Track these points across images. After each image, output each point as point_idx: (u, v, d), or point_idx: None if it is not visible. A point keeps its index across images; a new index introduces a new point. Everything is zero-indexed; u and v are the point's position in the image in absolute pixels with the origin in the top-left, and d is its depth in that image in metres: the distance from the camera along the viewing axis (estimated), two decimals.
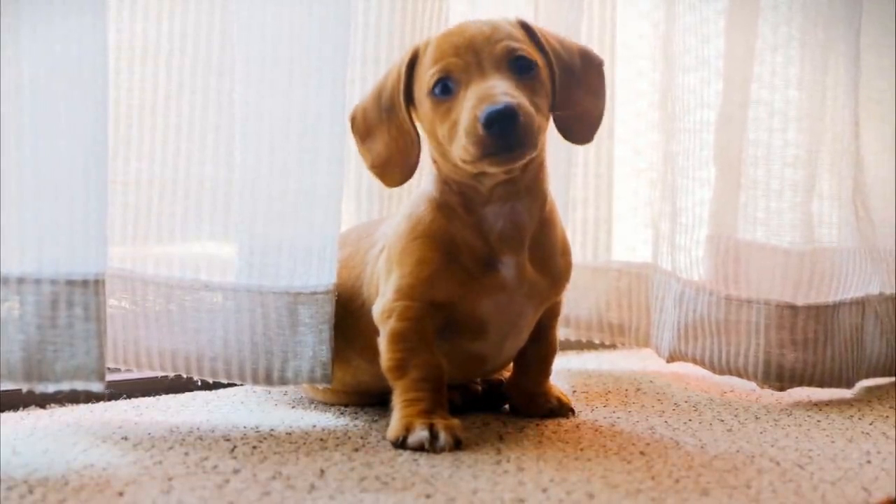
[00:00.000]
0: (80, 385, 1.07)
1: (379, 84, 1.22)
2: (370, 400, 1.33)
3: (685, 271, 1.55)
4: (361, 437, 1.17)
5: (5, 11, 1.03)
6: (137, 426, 1.21)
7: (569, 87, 1.19)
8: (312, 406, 1.35)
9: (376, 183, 1.47)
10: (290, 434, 1.19)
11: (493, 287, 1.18)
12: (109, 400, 1.34)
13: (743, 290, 1.51)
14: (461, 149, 1.10)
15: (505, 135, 1.07)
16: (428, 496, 0.95)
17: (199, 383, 1.32)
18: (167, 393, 1.39)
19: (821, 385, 1.49)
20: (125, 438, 1.14)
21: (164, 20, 1.26)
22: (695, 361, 1.54)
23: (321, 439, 1.16)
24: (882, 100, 1.68)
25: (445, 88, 1.13)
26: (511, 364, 1.32)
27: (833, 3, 1.52)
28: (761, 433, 1.24)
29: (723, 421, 1.31)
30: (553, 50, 1.19)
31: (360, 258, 1.28)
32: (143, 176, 1.26)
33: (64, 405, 1.30)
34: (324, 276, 1.24)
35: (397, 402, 1.16)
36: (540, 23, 1.55)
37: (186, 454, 1.08)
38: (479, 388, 1.36)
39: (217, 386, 1.39)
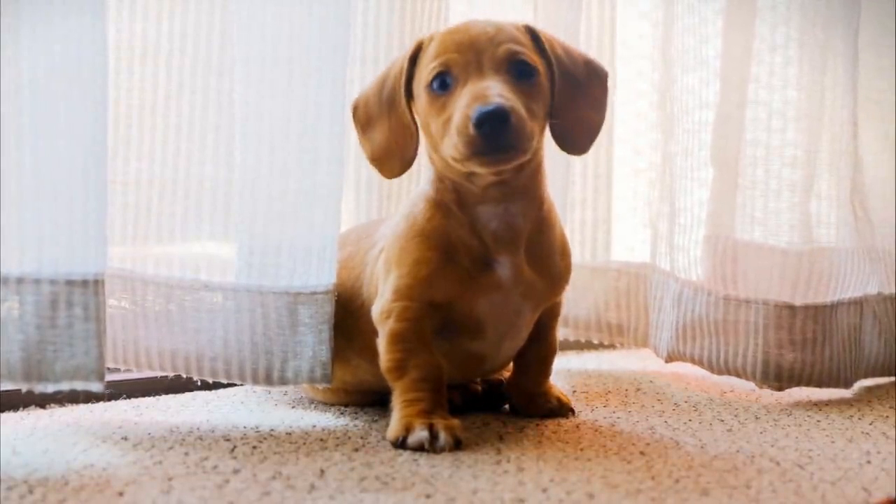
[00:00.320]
0: (79, 385, 1.07)
1: (382, 75, 1.22)
2: (371, 399, 1.33)
3: (684, 271, 1.56)
4: (361, 437, 1.17)
5: (5, 11, 1.03)
6: (137, 426, 1.21)
7: (569, 97, 1.19)
8: (312, 406, 1.35)
9: (375, 181, 1.48)
10: (290, 434, 1.19)
11: (490, 287, 1.18)
12: (109, 400, 1.34)
13: (741, 290, 1.51)
14: (451, 146, 1.10)
15: (495, 136, 1.07)
16: (428, 496, 0.95)
17: (199, 383, 1.32)
18: (167, 393, 1.39)
19: (819, 385, 1.49)
20: (125, 438, 1.14)
21: (163, 20, 1.26)
22: (693, 361, 1.54)
23: (321, 439, 1.16)
24: (881, 100, 1.68)
25: (443, 84, 1.13)
26: (511, 364, 1.32)
27: (831, 4, 1.52)
28: (761, 433, 1.24)
29: (723, 421, 1.31)
30: (557, 58, 1.19)
31: (360, 258, 1.28)
32: (143, 176, 1.26)
33: (64, 405, 1.30)
34: (323, 276, 1.24)
35: (397, 402, 1.16)
36: (539, 23, 1.55)
37: (186, 454, 1.08)
38: (479, 388, 1.36)
39: (217, 386, 1.39)
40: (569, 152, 1.24)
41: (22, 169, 1.05)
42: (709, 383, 1.57)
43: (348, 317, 1.26)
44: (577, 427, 1.25)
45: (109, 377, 1.21)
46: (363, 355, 1.25)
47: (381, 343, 1.19)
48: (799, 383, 1.48)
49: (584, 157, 1.68)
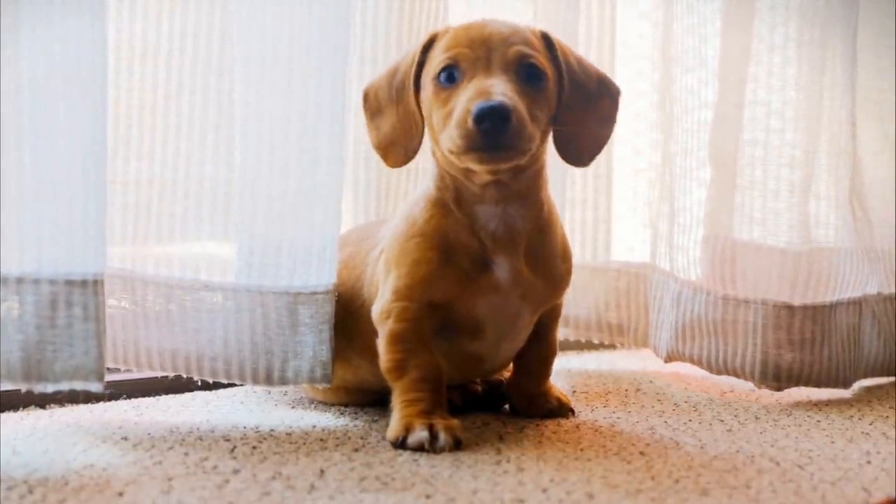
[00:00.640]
0: (79, 385, 1.07)
1: (394, 64, 1.23)
2: (371, 399, 1.33)
3: (683, 271, 1.56)
4: (361, 437, 1.17)
5: (5, 11, 1.03)
6: (137, 426, 1.21)
7: (577, 108, 1.19)
8: (312, 406, 1.35)
9: (373, 181, 1.48)
10: (290, 434, 1.19)
11: (488, 288, 1.18)
12: (109, 400, 1.34)
13: (740, 290, 1.51)
14: (449, 139, 1.10)
15: (493, 133, 1.07)
16: (428, 496, 0.95)
17: (199, 383, 1.32)
18: (167, 393, 1.39)
19: (818, 385, 1.49)
20: (125, 438, 1.14)
21: (163, 20, 1.25)
22: (692, 361, 1.54)
23: (321, 439, 1.16)
24: (880, 100, 1.68)
25: (450, 77, 1.13)
26: (511, 364, 1.32)
27: (830, 4, 1.52)
28: (761, 433, 1.24)
29: (723, 421, 1.31)
30: (568, 67, 1.19)
31: (361, 259, 1.28)
32: (143, 176, 1.26)
33: (64, 405, 1.30)
34: (324, 276, 1.24)
35: (397, 402, 1.16)
36: (538, 22, 1.55)
37: (186, 454, 1.08)
38: (479, 388, 1.36)
39: (217, 386, 1.39)
40: (570, 163, 1.24)
41: (22, 169, 1.05)
42: (709, 383, 1.57)
43: (349, 317, 1.26)
44: (577, 427, 1.25)
45: (109, 377, 1.21)
46: (364, 355, 1.25)
47: (381, 343, 1.19)
48: (798, 383, 1.48)
49: None
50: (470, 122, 1.07)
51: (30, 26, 1.05)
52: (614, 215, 1.73)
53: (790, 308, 1.48)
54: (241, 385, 1.39)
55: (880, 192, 1.66)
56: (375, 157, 1.45)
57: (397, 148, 1.20)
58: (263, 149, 1.22)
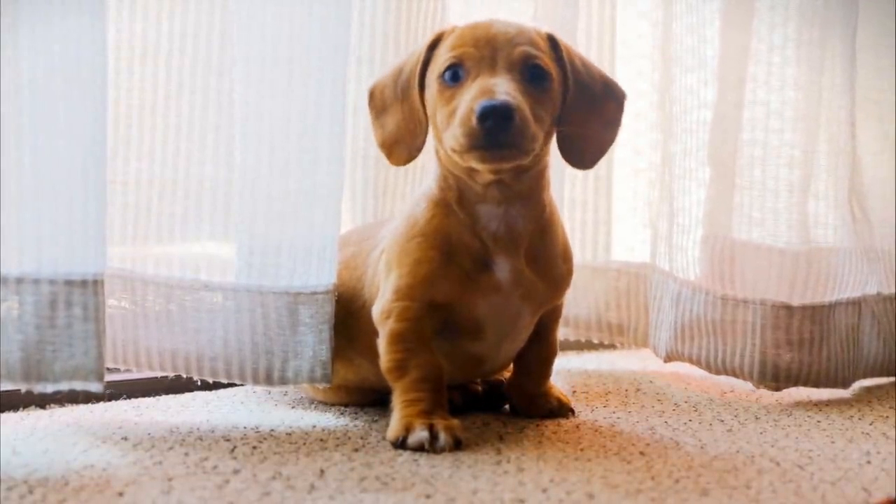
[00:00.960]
0: (78, 385, 1.07)
1: (400, 62, 1.23)
2: (371, 399, 1.33)
3: (682, 271, 1.56)
4: (361, 437, 1.17)
5: (5, 11, 1.03)
6: (137, 426, 1.21)
7: (582, 110, 1.19)
8: (312, 406, 1.35)
9: (371, 181, 1.48)
10: (290, 434, 1.19)
11: (489, 288, 1.18)
12: (109, 400, 1.34)
13: (739, 290, 1.51)
14: (452, 137, 1.11)
15: (496, 131, 1.07)
16: (428, 496, 0.95)
17: (199, 383, 1.32)
18: (167, 393, 1.39)
19: (817, 385, 1.49)
20: (125, 438, 1.14)
21: (163, 20, 1.25)
22: (691, 361, 1.54)
23: (321, 439, 1.16)
24: (880, 100, 1.68)
25: (455, 75, 1.14)
26: (511, 365, 1.32)
27: (829, 4, 1.52)
28: (761, 433, 1.25)
29: (723, 421, 1.31)
30: (573, 69, 1.19)
31: (361, 259, 1.28)
32: (143, 176, 1.26)
33: (64, 405, 1.30)
34: (324, 276, 1.24)
35: (397, 402, 1.16)
36: (537, 21, 1.55)
37: (186, 454, 1.08)
38: (480, 388, 1.36)
39: (217, 386, 1.39)
40: (573, 165, 1.24)
41: (22, 169, 1.05)
42: (709, 383, 1.57)
43: (350, 317, 1.26)
44: (577, 427, 1.25)
45: (109, 377, 1.21)
46: (365, 355, 1.25)
47: (382, 343, 1.19)
48: (796, 383, 1.48)
49: None
50: (473, 120, 1.07)
51: (30, 26, 1.05)
52: (614, 215, 1.72)
53: (789, 308, 1.48)
54: (241, 385, 1.39)
55: (880, 192, 1.66)
56: (372, 156, 1.45)
57: (401, 146, 1.21)
58: (263, 149, 1.22)
